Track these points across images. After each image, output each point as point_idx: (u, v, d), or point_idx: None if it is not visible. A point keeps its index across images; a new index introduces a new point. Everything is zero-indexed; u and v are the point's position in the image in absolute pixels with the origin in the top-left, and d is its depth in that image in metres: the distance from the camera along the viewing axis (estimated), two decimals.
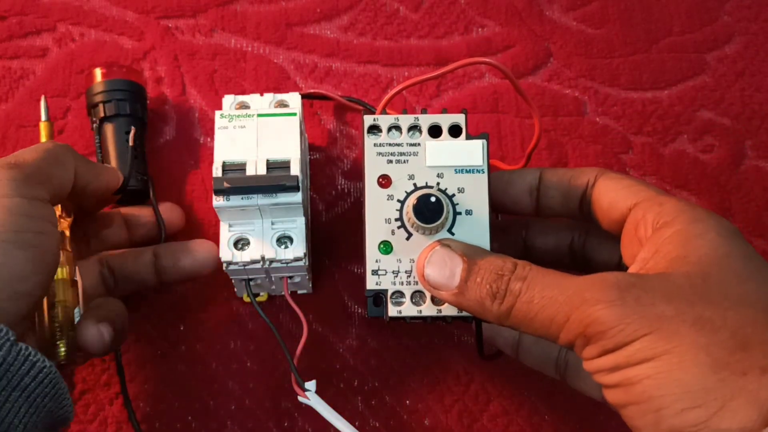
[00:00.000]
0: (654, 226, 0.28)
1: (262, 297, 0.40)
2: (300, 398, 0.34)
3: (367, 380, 0.39)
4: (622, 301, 0.24)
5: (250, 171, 0.33)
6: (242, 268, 0.35)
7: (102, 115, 0.40)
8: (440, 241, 0.30)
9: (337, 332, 0.40)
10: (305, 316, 0.35)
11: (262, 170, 0.33)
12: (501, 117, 0.44)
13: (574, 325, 0.25)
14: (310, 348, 0.40)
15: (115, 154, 0.40)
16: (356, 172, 0.43)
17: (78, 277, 0.35)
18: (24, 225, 0.28)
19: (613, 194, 0.31)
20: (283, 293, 0.38)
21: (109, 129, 0.40)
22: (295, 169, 0.33)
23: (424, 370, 0.39)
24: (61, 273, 0.34)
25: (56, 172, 0.32)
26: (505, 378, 0.39)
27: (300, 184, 0.33)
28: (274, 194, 0.33)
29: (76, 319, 0.34)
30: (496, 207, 0.33)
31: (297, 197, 0.33)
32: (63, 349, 0.33)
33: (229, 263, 0.34)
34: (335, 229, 0.42)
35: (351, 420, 0.33)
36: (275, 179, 0.33)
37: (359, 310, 0.40)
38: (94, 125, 0.41)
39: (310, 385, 0.34)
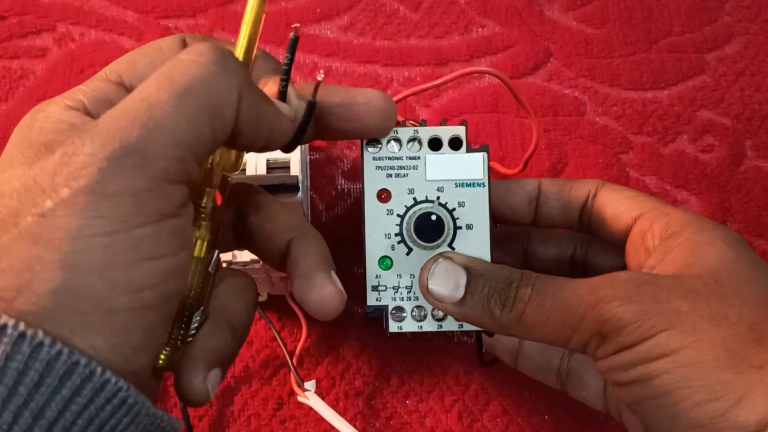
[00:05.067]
0: (662, 236, 0.28)
1: (262, 297, 0.40)
2: (300, 398, 0.34)
3: (367, 380, 0.39)
4: (639, 298, 0.24)
5: (250, 171, 0.33)
6: (242, 268, 0.35)
7: None
8: (442, 254, 0.30)
9: (337, 332, 0.40)
10: (305, 316, 0.35)
11: (262, 170, 0.33)
12: (501, 117, 0.44)
13: (589, 324, 0.25)
14: (310, 348, 0.40)
15: None
16: (356, 172, 0.43)
17: (213, 268, 0.26)
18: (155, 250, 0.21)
19: (617, 205, 0.31)
20: (283, 293, 0.38)
21: None
22: (295, 169, 0.33)
23: (424, 370, 0.39)
24: (199, 251, 0.25)
25: (203, 135, 0.22)
26: (505, 378, 0.39)
27: (300, 184, 0.33)
28: (274, 194, 0.33)
29: (193, 325, 0.26)
30: (494, 216, 0.33)
31: (297, 197, 0.33)
32: (163, 358, 0.25)
33: (230, 263, 0.34)
34: (335, 229, 0.42)
35: (351, 420, 0.33)
36: (275, 179, 0.33)
37: (359, 310, 0.40)
38: None
39: (310, 385, 0.34)
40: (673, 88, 0.45)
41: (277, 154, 0.34)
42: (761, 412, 0.22)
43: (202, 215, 0.25)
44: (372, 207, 0.31)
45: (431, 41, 0.46)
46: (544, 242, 0.36)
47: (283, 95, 0.25)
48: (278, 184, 0.33)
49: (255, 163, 0.33)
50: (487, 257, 0.30)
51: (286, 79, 0.25)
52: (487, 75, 0.45)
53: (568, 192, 0.33)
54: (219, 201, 0.26)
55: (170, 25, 0.46)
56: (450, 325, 0.30)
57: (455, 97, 0.45)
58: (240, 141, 0.24)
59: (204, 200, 0.25)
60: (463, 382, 0.39)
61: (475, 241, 0.30)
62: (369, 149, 0.31)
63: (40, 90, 0.44)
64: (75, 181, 0.20)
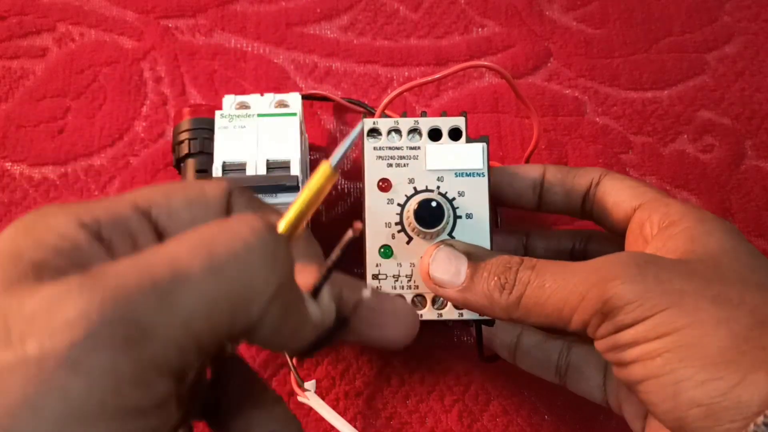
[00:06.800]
0: (660, 226, 0.28)
1: None
2: (300, 398, 0.34)
3: (367, 380, 0.39)
4: (642, 277, 0.24)
5: (250, 171, 0.33)
6: None
7: (186, 152, 0.37)
8: (443, 241, 0.30)
9: None
10: None
11: (262, 170, 0.33)
12: (501, 117, 0.44)
13: (591, 303, 0.25)
14: None
15: None
16: (356, 172, 0.43)
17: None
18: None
19: (618, 194, 0.31)
20: None
21: (190, 165, 0.37)
22: (295, 169, 0.33)
23: (424, 370, 0.39)
24: None
25: (218, 328, 0.17)
26: (505, 378, 0.39)
27: (300, 184, 0.33)
28: (274, 194, 0.33)
29: None
30: (499, 200, 0.33)
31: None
32: None
33: None
34: (335, 229, 0.42)
35: (351, 420, 0.33)
36: (275, 179, 0.33)
37: None
38: (180, 165, 0.38)
39: (310, 385, 0.34)
40: (673, 88, 0.45)
41: (277, 155, 0.34)
42: (764, 391, 0.22)
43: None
44: (372, 196, 0.31)
45: (431, 41, 0.46)
46: (543, 238, 0.36)
47: (316, 292, 0.22)
48: (278, 185, 0.33)
49: (255, 163, 0.33)
50: (487, 246, 0.30)
51: (326, 278, 0.22)
52: (487, 75, 0.45)
53: (572, 179, 0.33)
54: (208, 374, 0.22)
55: (170, 25, 0.46)
56: (450, 313, 0.31)
57: (455, 97, 0.45)
58: (252, 338, 0.19)
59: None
60: (463, 382, 0.39)
61: (475, 230, 0.31)
62: (369, 139, 0.31)
63: (40, 90, 0.44)
64: (50, 338, 0.15)
